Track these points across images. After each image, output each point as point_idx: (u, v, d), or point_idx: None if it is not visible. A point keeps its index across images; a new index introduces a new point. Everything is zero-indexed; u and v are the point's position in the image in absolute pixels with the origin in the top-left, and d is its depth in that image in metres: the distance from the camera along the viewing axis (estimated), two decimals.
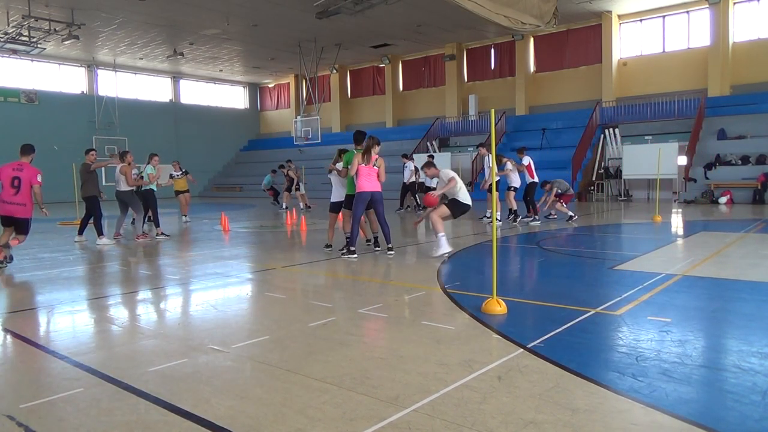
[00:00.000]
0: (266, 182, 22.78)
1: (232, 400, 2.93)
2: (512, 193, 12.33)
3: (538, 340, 3.79)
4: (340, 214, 8.59)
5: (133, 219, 12.48)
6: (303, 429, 2.58)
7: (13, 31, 21.24)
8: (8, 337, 4.23)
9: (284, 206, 19.43)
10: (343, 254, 7.89)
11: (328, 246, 8.51)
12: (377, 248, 8.40)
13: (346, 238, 8.28)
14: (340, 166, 8.38)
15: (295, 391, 3.03)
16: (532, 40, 26.44)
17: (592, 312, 4.54)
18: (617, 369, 3.26)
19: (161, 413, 2.79)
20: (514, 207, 12.23)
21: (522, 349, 3.62)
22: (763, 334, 3.90)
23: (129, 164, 10.66)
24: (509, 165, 12.18)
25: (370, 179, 7.79)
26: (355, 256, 7.72)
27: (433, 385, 3.04)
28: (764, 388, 2.93)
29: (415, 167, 17.48)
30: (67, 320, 4.76)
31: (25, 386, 3.19)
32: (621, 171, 21.11)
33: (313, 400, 2.89)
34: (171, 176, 14.64)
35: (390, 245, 7.97)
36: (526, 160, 12.31)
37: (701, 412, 2.70)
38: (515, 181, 12.29)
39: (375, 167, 7.84)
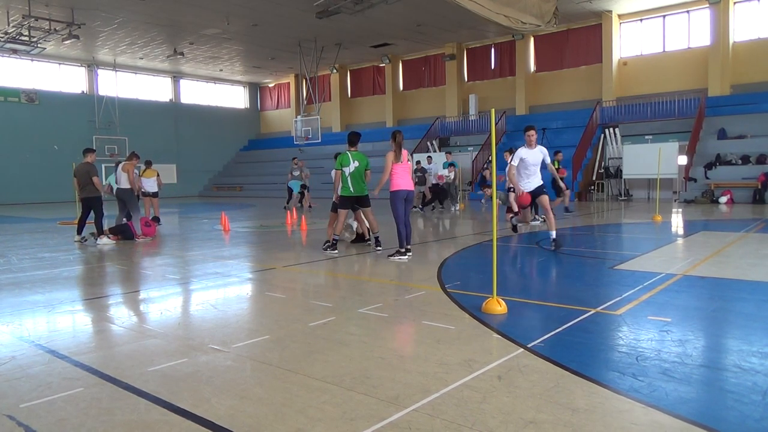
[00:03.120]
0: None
1: (233, 399, 2.93)
2: (513, 194, 12.28)
3: (539, 340, 3.79)
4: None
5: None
6: (303, 429, 2.58)
7: (14, 31, 21.23)
8: (9, 336, 4.23)
9: (285, 206, 19.40)
10: (326, 249, 8.15)
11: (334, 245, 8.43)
12: (378, 248, 8.40)
13: (333, 239, 8.29)
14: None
15: (295, 390, 3.03)
16: (532, 39, 26.43)
17: (593, 312, 4.54)
18: (617, 369, 3.26)
19: (161, 413, 2.79)
20: (515, 208, 12.19)
21: (522, 349, 3.62)
22: (763, 334, 3.90)
23: (133, 163, 10.70)
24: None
25: (405, 177, 7.71)
26: (407, 258, 7.54)
27: (433, 385, 3.04)
28: (764, 388, 2.93)
29: (423, 168, 17.58)
30: (67, 320, 4.76)
31: (26, 386, 3.19)
32: (621, 171, 21.12)
33: (314, 400, 2.89)
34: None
35: (408, 246, 7.73)
36: None
37: (701, 412, 2.70)
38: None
39: (409, 162, 7.80)
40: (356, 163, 8.11)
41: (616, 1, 22.12)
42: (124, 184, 10.56)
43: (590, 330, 4.08)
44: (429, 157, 19.16)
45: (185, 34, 25.09)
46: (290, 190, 19.50)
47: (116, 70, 30.97)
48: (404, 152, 7.75)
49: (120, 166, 10.67)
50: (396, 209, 7.70)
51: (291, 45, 26.97)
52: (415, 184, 17.23)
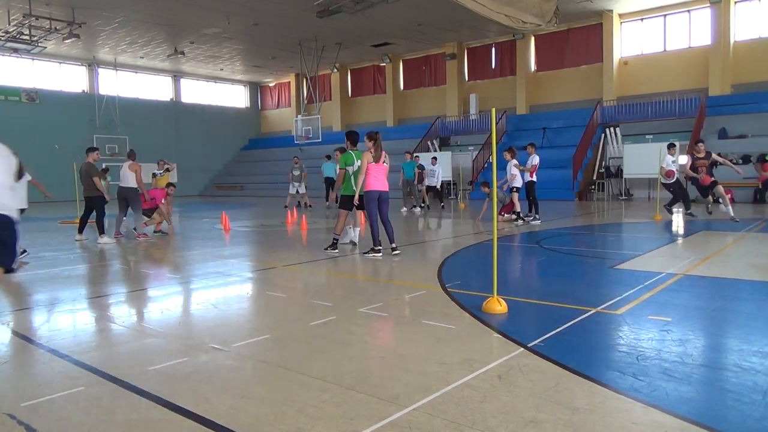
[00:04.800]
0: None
1: (233, 399, 2.93)
2: (516, 194, 12.34)
3: (539, 340, 3.79)
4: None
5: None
6: (303, 428, 2.58)
7: (14, 30, 21.23)
8: (9, 335, 4.24)
9: (285, 205, 19.38)
10: (365, 253, 7.89)
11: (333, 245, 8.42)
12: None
13: (334, 238, 8.28)
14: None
15: (295, 390, 3.03)
16: (532, 39, 26.41)
17: (593, 311, 4.54)
18: (618, 368, 3.26)
19: (162, 412, 2.79)
20: (518, 208, 12.25)
21: (522, 349, 3.62)
22: (763, 334, 3.90)
23: (138, 163, 10.76)
24: (513, 169, 12.20)
25: (379, 178, 7.70)
26: (381, 255, 7.64)
27: (433, 384, 3.04)
28: (765, 388, 2.93)
29: (421, 165, 17.43)
30: (67, 319, 4.76)
31: (26, 385, 3.19)
32: (622, 170, 21.11)
33: (314, 399, 2.89)
34: (154, 174, 14.62)
35: (394, 245, 7.87)
36: (536, 159, 12.24)
37: (702, 412, 2.70)
38: (518, 181, 12.29)
39: (385, 165, 7.76)
40: (359, 163, 8.11)
41: (616, 0, 22.10)
42: (131, 183, 10.56)
43: (591, 329, 4.08)
44: (434, 158, 19.09)
45: (186, 33, 25.09)
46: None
47: (117, 70, 30.97)
48: (383, 153, 7.75)
49: (126, 165, 10.67)
50: (368, 209, 7.76)
51: (291, 44, 26.97)
52: (418, 182, 17.24)
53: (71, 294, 5.79)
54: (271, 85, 38.27)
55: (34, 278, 6.65)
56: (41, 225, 14.39)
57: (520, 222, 11.95)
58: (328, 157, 19.71)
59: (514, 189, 12.31)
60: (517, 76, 26.70)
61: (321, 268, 7.14)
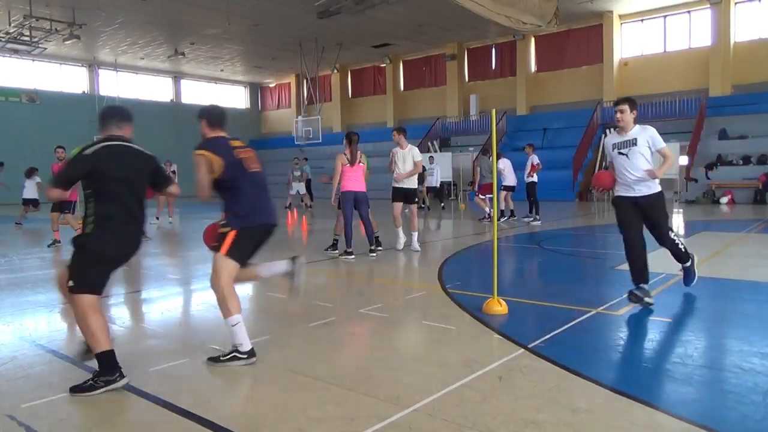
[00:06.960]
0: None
1: (233, 399, 2.93)
2: (506, 193, 12.40)
3: (539, 340, 3.79)
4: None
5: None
6: (304, 428, 2.58)
7: (15, 31, 21.23)
8: (10, 336, 4.24)
9: (285, 206, 19.37)
10: (339, 255, 7.83)
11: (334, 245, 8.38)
12: (379, 247, 8.32)
13: (334, 239, 8.27)
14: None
15: (295, 390, 3.03)
16: (533, 39, 26.41)
17: (593, 312, 4.53)
18: (618, 369, 3.26)
19: (162, 413, 2.79)
20: (511, 206, 12.35)
21: (523, 349, 3.62)
22: (764, 334, 3.90)
23: None
24: (500, 165, 12.25)
25: (354, 179, 7.68)
26: (353, 257, 7.61)
27: (433, 385, 3.04)
28: (765, 389, 2.93)
29: (423, 167, 17.50)
30: (68, 320, 4.76)
31: (27, 386, 3.19)
32: None
33: (314, 400, 2.89)
34: None
35: (372, 246, 7.79)
36: (535, 159, 12.26)
37: (702, 413, 2.70)
38: (510, 180, 12.32)
39: (361, 165, 7.74)
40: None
41: (617, 1, 22.11)
42: None
43: (591, 330, 4.08)
44: (431, 157, 19.17)
45: (186, 34, 25.10)
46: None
47: (117, 70, 30.97)
48: (358, 154, 7.74)
49: None
50: (344, 210, 7.73)
51: (292, 45, 26.97)
52: (419, 182, 17.20)
53: None
54: (271, 85, 38.27)
55: (35, 278, 6.65)
56: (42, 225, 14.38)
57: (487, 221, 11.89)
58: (306, 159, 20.95)
59: (504, 188, 12.32)
60: (518, 77, 26.70)
61: (321, 268, 7.14)
